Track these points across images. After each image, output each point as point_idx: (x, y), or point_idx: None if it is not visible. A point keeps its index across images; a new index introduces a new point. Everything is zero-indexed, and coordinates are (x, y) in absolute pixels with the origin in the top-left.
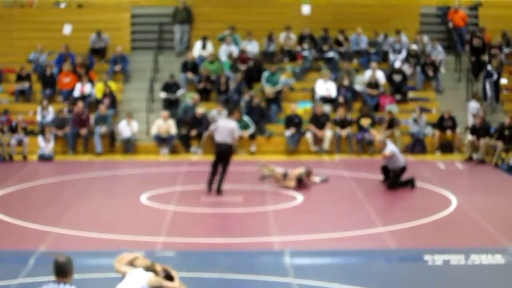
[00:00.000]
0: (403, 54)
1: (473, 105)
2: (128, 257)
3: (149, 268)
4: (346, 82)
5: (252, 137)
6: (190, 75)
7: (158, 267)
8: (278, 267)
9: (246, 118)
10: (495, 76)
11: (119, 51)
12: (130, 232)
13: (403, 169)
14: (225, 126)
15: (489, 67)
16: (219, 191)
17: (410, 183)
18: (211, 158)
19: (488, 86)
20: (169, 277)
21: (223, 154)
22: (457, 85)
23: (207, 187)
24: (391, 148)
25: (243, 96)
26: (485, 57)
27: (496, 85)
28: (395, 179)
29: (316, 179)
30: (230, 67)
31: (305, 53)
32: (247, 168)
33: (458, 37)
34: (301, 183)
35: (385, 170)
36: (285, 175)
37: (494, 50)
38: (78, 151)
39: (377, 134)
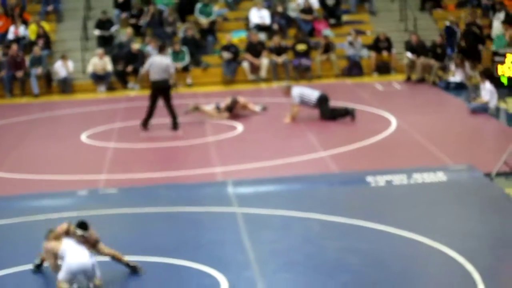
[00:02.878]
0: None
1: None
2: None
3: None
4: (280, 9)
5: (186, 69)
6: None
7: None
8: (222, 197)
9: (184, 49)
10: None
11: None
12: (72, 172)
13: (322, 100)
14: (159, 63)
15: (447, 23)
16: (176, 128)
17: (350, 114)
18: (148, 93)
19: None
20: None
21: (161, 91)
22: (390, 6)
23: (143, 123)
24: (296, 93)
25: (178, 28)
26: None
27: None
28: (326, 112)
29: (256, 108)
30: None
31: None
32: (184, 101)
33: None
34: (232, 112)
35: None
36: (218, 109)
37: None
38: (15, 94)
39: (286, 117)
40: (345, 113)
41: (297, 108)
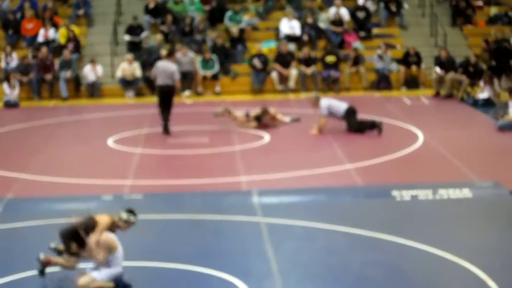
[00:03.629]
0: None
1: None
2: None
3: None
4: (310, 20)
5: (215, 77)
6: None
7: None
8: (246, 206)
9: (214, 57)
10: None
11: None
12: (98, 176)
13: (350, 113)
14: (164, 69)
15: None
16: (167, 132)
17: (377, 128)
18: (176, 99)
19: None
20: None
21: (165, 96)
22: (420, 21)
23: (164, 130)
24: (324, 104)
25: (208, 36)
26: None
27: None
28: (353, 124)
29: (285, 118)
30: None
31: None
32: (212, 109)
33: None
34: (260, 122)
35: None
36: (247, 116)
37: None
38: (44, 97)
39: (313, 129)
40: (372, 126)
41: (324, 119)
